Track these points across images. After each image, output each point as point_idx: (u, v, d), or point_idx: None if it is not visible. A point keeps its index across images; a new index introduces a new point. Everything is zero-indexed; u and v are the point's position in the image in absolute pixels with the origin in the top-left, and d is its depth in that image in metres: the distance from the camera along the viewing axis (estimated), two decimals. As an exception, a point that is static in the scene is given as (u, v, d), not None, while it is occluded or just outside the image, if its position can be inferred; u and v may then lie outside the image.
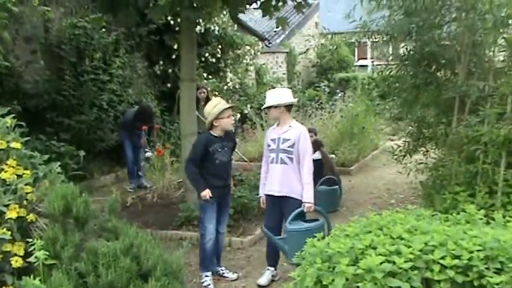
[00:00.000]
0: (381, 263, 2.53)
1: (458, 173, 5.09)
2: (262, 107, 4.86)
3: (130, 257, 3.51)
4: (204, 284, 4.62)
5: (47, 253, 3.27)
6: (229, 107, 4.58)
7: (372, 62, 10.23)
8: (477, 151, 4.86)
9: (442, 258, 2.56)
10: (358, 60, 21.29)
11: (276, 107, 4.58)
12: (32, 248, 3.19)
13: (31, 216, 3.65)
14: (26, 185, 3.80)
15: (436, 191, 5.28)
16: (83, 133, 8.55)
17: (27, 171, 3.94)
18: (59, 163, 4.60)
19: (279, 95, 4.66)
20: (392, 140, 11.37)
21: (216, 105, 4.55)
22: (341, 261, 2.62)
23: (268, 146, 4.69)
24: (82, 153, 8.37)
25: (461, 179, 5.04)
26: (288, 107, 4.65)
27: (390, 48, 7.17)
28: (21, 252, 3.43)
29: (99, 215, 4.08)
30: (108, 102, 9.11)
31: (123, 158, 8.63)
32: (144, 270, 3.57)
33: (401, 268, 2.53)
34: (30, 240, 3.34)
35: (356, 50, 21.34)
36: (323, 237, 3.20)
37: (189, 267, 4.98)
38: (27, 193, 3.76)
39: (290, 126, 4.61)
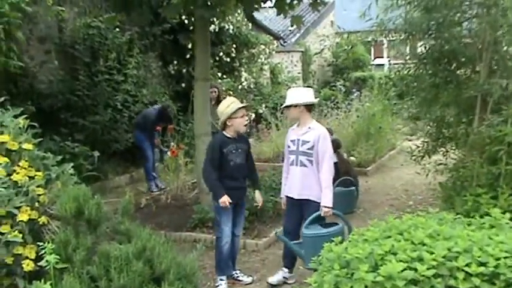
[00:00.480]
0: (402, 270, 2.42)
1: (480, 175, 4.94)
2: (282, 106, 4.74)
3: (143, 260, 3.44)
4: None
5: (58, 257, 3.22)
6: (242, 107, 4.48)
7: (389, 61, 10.06)
8: (500, 152, 4.71)
9: (467, 265, 2.44)
10: (374, 59, 21.06)
11: (295, 106, 4.46)
12: (43, 251, 3.13)
13: (43, 219, 3.61)
14: (37, 186, 3.76)
15: (457, 192, 5.13)
16: (97, 134, 8.52)
17: (39, 173, 3.89)
18: (72, 164, 4.55)
19: (299, 94, 4.53)
20: (410, 140, 11.21)
21: (229, 104, 4.46)
22: (360, 268, 2.52)
23: (288, 147, 4.59)
24: (96, 153, 8.34)
25: (483, 180, 4.88)
26: (309, 107, 4.52)
27: (408, 47, 7.03)
28: (33, 255, 3.38)
29: (111, 217, 4.02)
30: (122, 102, 9.09)
31: (138, 158, 8.59)
32: (157, 274, 3.49)
33: (423, 275, 2.42)
34: (42, 243, 3.29)
35: (372, 49, 21.12)
36: (341, 242, 3.10)
37: (203, 270, 4.89)
38: (39, 195, 3.71)
39: (309, 127, 4.49)
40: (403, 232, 2.84)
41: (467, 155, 5.26)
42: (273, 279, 4.67)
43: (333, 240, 4.12)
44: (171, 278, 3.46)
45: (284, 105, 4.56)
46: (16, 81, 7.76)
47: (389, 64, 10.69)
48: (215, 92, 8.14)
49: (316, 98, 4.80)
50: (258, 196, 4.78)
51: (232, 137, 4.52)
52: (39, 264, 3.24)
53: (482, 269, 2.42)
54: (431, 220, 3.03)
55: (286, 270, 4.69)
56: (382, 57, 21.55)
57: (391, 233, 2.87)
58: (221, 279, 4.55)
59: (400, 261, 2.55)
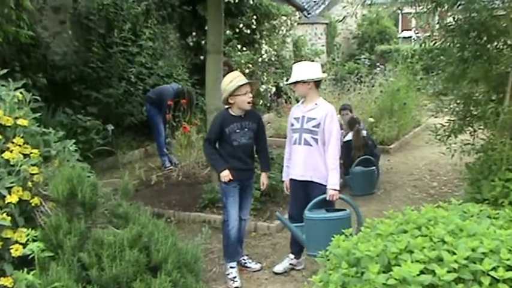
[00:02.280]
0: (419, 274, 2.12)
1: (510, 158, 4.56)
2: (288, 82, 4.37)
3: (138, 248, 3.21)
4: (230, 276, 4.23)
5: (45, 243, 3.01)
6: (246, 83, 4.16)
7: (416, 33, 9.56)
8: (533, 133, 4.32)
9: (494, 269, 2.12)
10: (401, 31, 20.34)
11: (304, 82, 4.13)
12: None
13: (35, 200, 3.39)
14: (33, 165, 3.54)
15: (484, 176, 4.76)
16: (111, 107, 8.31)
17: (36, 150, 3.66)
18: (73, 140, 4.32)
19: (307, 69, 4.18)
20: (436, 117, 10.75)
21: (232, 80, 4.14)
22: (370, 268, 2.22)
23: (292, 125, 4.26)
24: (110, 127, 8.16)
25: (514, 164, 4.51)
26: (317, 83, 4.19)
27: (436, 18, 6.58)
28: (23, 240, 3.16)
29: (111, 198, 3.80)
30: (137, 75, 8.84)
31: (152, 133, 8.37)
32: (154, 262, 3.27)
33: (442, 280, 2.11)
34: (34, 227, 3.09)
35: (400, 21, 20.37)
36: (350, 233, 2.81)
37: (210, 255, 4.66)
38: (32, 174, 3.49)
39: (316, 104, 4.16)
40: (421, 227, 2.53)
41: (497, 136, 4.87)
42: (279, 267, 4.40)
43: (338, 227, 3.90)
44: (169, 268, 3.23)
45: (291, 81, 4.22)
46: (29, 52, 7.55)
47: (417, 37, 10.19)
48: (225, 70, 7.84)
49: (325, 73, 4.47)
50: (263, 179, 4.45)
51: (237, 115, 4.20)
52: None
53: (510, 274, 2.11)
54: (454, 213, 2.70)
55: (292, 256, 4.42)
56: (410, 29, 20.82)
57: (408, 227, 2.56)
58: (231, 267, 4.26)
59: (417, 261, 2.25)
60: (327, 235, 3.80)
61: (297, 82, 4.16)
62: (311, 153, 4.12)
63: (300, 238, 4.04)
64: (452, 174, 7.06)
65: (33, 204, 3.37)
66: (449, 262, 2.18)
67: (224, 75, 5.93)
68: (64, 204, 3.33)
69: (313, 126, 4.10)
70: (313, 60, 14.87)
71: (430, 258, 2.25)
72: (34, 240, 2.88)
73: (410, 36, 19.73)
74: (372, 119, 8.71)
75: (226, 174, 4.11)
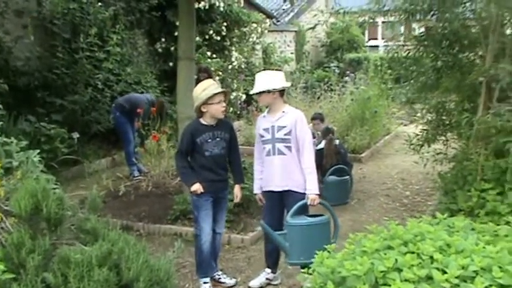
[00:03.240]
0: (409, 294, 2.02)
1: (485, 168, 4.54)
2: (252, 92, 4.21)
3: (108, 266, 3.00)
4: None
5: (8, 262, 2.79)
6: (219, 92, 4.01)
7: (385, 41, 9.62)
8: (508, 143, 4.30)
9: (486, 288, 2.04)
10: (368, 40, 20.57)
11: (268, 92, 4.01)
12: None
13: (-4, 216, 3.17)
14: (-7, 178, 3.33)
15: (459, 186, 4.74)
16: (77, 114, 8.05)
17: (-3, 162, 3.45)
18: (37, 151, 4.11)
19: (271, 79, 4.06)
20: (405, 125, 10.81)
21: (205, 88, 3.99)
22: (358, 288, 2.11)
23: (262, 136, 4.12)
24: (76, 135, 7.88)
25: (489, 174, 4.49)
26: (282, 92, 4.09)
27: (407, 28, 6.60)
28: (-18, 259, 2.94)
29: (77, 212, 3.59)
30: (104, 81, 8.59)
31: (120, 141, 8.12)
32: (124, 281, 3.06)
33: (434, 301, 2.02)
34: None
35: (367, 30, 20.59)
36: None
37: (182, 270, 4.48)
38: (-7, 188, 3.28)
39: (284, 111, 4.05)
40: (408, 243, 2.44)
41: (472, 146, 4.85)
42: (255, 282, 4.25)
43: (320, 232, 3.81)
44: (141, 286, 3.04)
45: (255, 91, 4.08)
46: (-11, 57, 7.25)
47: (385, 46, 10.25)
48: (204, 76, 7.72)
49: (292, 80, 4.38)
50: (236, 191, 4.28)
51: (209, 124, 4.05)
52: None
53: (503, 293, 2.03)
54: (440, 228, 2.62)
55: (268, 270, 4.28)
56: (377, 38, 21.06)
57: (394, 243, 2.46)
58: (205, 282, 4.10)
59: (406, 280, 2.16)
60: (311, 241, 3.74)
61: (261, 92, 4.03)
62: (286, 162, 4.01)
63: (283, 246, 3.90)
64: (424, 183, 7.07)
65: (-7, 221, 3.14)
66: (440, 281, 2.10)
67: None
68: (27, 219, 3.11)
69: (285, 134, 3.99)
70: (280, 68, 14.84)
71: (420, 277, 2.16)
72: (-6, 261, 2.66)
73: (378, 46, 20.01)
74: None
75: (197, 188, 3.96)
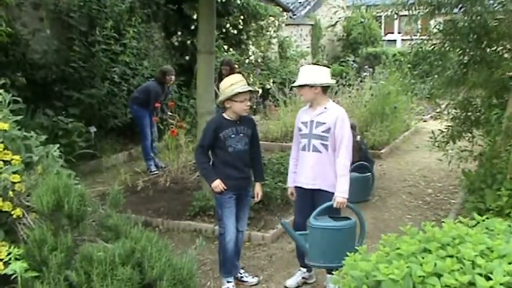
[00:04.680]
0: (453, 302, 1.91)
1: (516, 167, 4.41)
2: (294, 84, 4.04)
3: (131, 264, 2.93)
4: None
5: (30, 260, 2.73)
6: (246, 91, 3.87)
7: (402, 36, 9.45)
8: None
9: (535, 296, 1.93)
10: (385, 34, 20.30)
11: (311, 86, 3.88)
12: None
13: (17, 211, 3.09)
14: (14, 173, 3.25)
15: (488, 185, 4.60)
16: (94, 108, 7.99)
17: (17, 157, 3.37)
18: (57, 145, 4.03)
19: (315, 73, 3.90)
20: (424, 121, 10.64)
21: (232, 83, 3.85)
22: (396, 294, 2.00)
23: (300, 130, 3.98)
24: (93, 129, 7.85)
25: (521, 173, 4.35)
26: (325, 88, 3.93)
27: (432, 21, 6.42)
28: (3, 256, 2.88)
29: (98, 209, 3.52)
30: (120, 75, 8.52)
31: (137, 135, 8.06)
32: (148, 280, 2.99)
33: (479, 309, 1.90)
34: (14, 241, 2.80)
35: (383, 23, 20.32)
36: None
37: (202, 267, 4.39)
38: (13, 183, 3.20)
39: (326, 107, 3.89)
40: (446, 246, 2.32)
41: (502, 143, 4.70)
42: (291, 282, 4.14)
43: (343, 237, 3.68)
44: (164, 285, 2.96)
45: (298, 84, 3.93)
46: (7, 50, 7.20)
47: (403, 40, 10.07)
48: (226, 70, 7.65)
49: (333, 79, 4.22)
50: (257, 189, 4.16)
51: (233, 120, 3.94)
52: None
53: (553, 301, 1.91)
54: (479, 230, 2.49)
55: (304, 270, 4.17)
56: (393, 32, 20.79)
57: (431, 246, 2.34)
58: (228, 281, 4.01)
59: (446, 286, 2.05)
60: (331, 244, 3.62)
61: (303, 86, 3.90)
62: (320, 160, 3.87)
63: (304, 246, 3.79)
64: (447, 181, 6.92)
65: (14, 216, 3.08)
66: (485, 288, 1.98)
67: (226, 75, 5.61)
68: (49, 216, 3.05)
69: (323, 132, 3.84)
70: (298, 61, 14.70)
71: (462, 283, 2.05)
72: (17, 259, 2.59)
73: (395, 40, 19.76)
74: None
75: (217, 185, 3.86)
